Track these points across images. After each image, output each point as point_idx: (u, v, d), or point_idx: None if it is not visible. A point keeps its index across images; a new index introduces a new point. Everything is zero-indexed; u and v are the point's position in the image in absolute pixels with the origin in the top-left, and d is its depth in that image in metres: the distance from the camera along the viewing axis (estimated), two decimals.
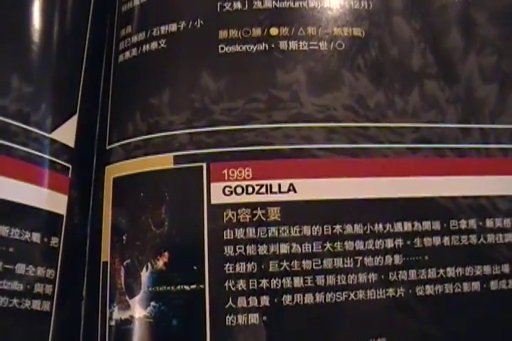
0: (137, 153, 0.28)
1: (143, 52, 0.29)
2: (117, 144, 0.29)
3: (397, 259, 0.26)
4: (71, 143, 0.29)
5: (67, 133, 0.29)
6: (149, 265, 0.26)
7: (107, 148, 0.29)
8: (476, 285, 0.27)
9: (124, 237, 0.27)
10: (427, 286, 0.26)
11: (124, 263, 0.27)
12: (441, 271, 0.27)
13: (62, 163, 0.28)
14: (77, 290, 0.28)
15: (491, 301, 0.27)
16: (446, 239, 0.27)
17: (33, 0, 0.29)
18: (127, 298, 0.27)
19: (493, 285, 0.27)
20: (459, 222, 0.27)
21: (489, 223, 0.28)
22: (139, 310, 0.26)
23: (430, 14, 0.29)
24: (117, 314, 0.27)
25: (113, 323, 0.27)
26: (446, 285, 0.27)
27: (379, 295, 0.26)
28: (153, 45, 0.29)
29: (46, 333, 0.26)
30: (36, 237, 0.27)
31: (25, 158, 0.27)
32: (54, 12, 0.30)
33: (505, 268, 0.27)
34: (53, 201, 0.28)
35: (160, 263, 0.26)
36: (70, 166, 0.29)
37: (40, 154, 0.28)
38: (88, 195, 0.30)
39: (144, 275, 0.26)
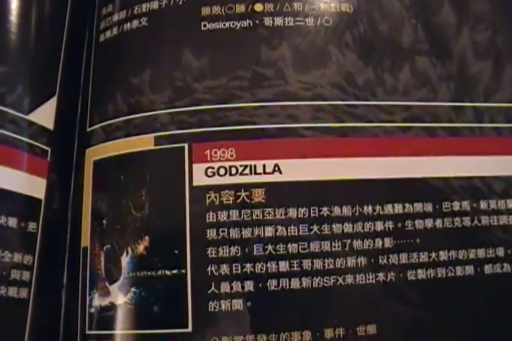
0: (118, 135, 0.27)
1: (124, 31, 0.28)
2: (98, 126, 0.28)
3: (388, 242, 0.26)
4: (50, 126, 0.28)
5: (45, 115, 0.28)
6: (129, 250, 0.26)
7: (88, 130, 0.28)
8: (469, 269, 0.26)
9: (104, 221, 0.26)
10: (419, 270, 0.26)
11: (104, 248, 0.26)
12: (434, 254, 0.26)
13: (41, 145, 0.28)
14: (56, 277, 0.28)
15: (485, 285, 0.26)
16: (438, 221, 0.26)
17: None
18: (107, 284, 0.26)
19: (488, 269, 0.26)
20: (452, 203, 0.27)
21: (483, 205, 0.27)
22: (119, 297, 0.25)
23: None
24: (97, 301, 0.26)
25: (93, 310, 0.26)
26: (439, 269, 0.26)
27: (368, 279, 0.25)
28: (135, 23, 0.28)
29: (23, 321, 0.26)
30: (12, 222, 0.26)
31: (1, 141, 0.26)
32: None
33: (500, 252, 0.27)
34: (31, 185, 0.27)
35: (140, 248, 0.25)
36: (49, 149, 0.28)
37: (17, 136, 0.27)
38: (69, 178, 0.29)
39: (124, 260, 0.26)
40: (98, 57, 0.29)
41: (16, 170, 0.27)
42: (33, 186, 0.27)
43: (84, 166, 0.28)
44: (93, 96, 0.29)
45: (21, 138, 0.27)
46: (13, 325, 0.26)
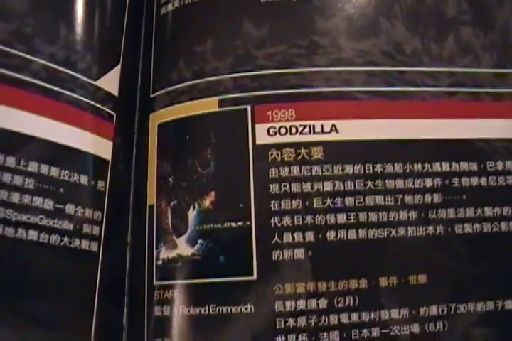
0: (182, 99, 0.29)
1: (185, 4, 0.31)
2: (162, 92, 0.30)
3: (436, 198, 0.28)
4: (115, 92, 0.31)
5: (111, 82, 0.30)
6: (196, 205, 0.28)
7: (151, 96, 0.30)
8: None
9: (170, 180, 0.29)
10: (466, 225, 0.28)
11: (171, 205, 0.28)
12: (479, 210, 0.28)
13: (107, 110, 0.30)
14: (121, 234, 0.30)
15: None
16: (483, 179, 0.28)
17: None
18: (174, 237, 0.28)
19: None
20: (496, 163, 0.29)
21: None
22: (186, 248, 0.27)
23: None
24: (164, 253, 0.28)
25: (160, 262, 0.28)
26: (484, 224, 0.28)
27: (419, 232, 0.27)
28: None
29: (95, 272, 0.28)
30: (84, 180, 0.28)
31: (72, 103, 0.28)
32: None
33: None
34: (99, 146, 0.29)
35: (207, 203, 0.27)
36: (115, 114, 0.30)
37: (86, 100, 0.29)
38: (131, 142, 0.31)
39: (191, 214, 0.28)
40: (160, 29, 0.31)
41: (85, 131, 0.29)
42: (101, 147, 0.29)
43: (149, 130, 0.30)
44: (156, 65, 0.31)
45: (90, 101, 0.29)
46: (87, 275, 0.28)
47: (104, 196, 0.29)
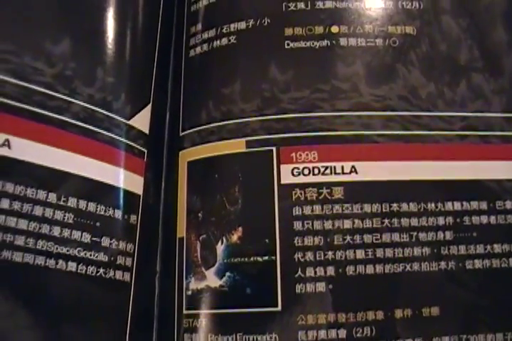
0: (211, 138, 0.31)
1: (213, 47, 0.33)
2: (191, 131, 0.32)
3: (448, 235, 0.30)
4: (146, 130, 0.33)
5: (142, 121, 0.33)
6: (224, 239, 0.30)
7: (181, 134, 0.33)
8: None
9: (199, 214, 0.31)
10: (476, 260, 0.30)
11: (200, 238, 0.31)
12: (489, 246, 0.30)
13: (139, 147, 0.32)
14: (151, 264, 0.32)
15: None
16: (492, 217, 0.30)
17: (110, 5, 0.33)
18: (203, 269, 0.30)
19: None
20: (505, 202, 0.31)
21: None
22: (214, 280, 0.30)
23: (476, 12, 0.33)
24: (194, 284, 0.30)
25: (189, 293, 0.30)
26: (494, 260, 0.30)
27: (432, 267, 0.29)
28: (224, 40, 0.33)
29: (127, 301, 0.30)
30: (118, 214, 0.30)
31: (108, 142, 0.31)
32: (128, 15, 0.34)
33: None
34: (131, 181, 0.31)
35: (234, 237, 0.30)
36: (145, 150, 0.32)
37: (120, 139, 0.31)
38: (160, 177, 0.33)
39: (220, 248, 0.30)
40: (188, 70, 0.34)
41: (118, 168, 0.31)
42: (133, 182, 0.31)
43: (179, 166, 0.32)
44: (184, 105, 0.33)
45: (124, 140, 0.31)
46: (120, 302, 0.30)
47: (136, 229, 0.31)
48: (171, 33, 0.36)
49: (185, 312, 0.30)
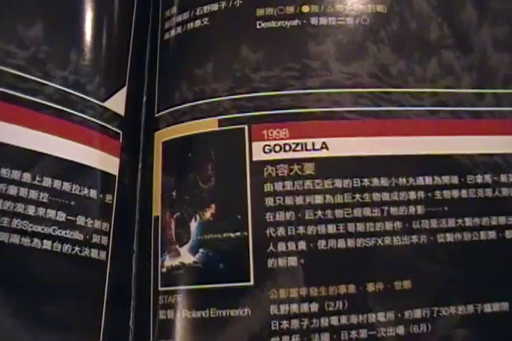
0: (184, 118, 0.32)
1: (187, 30, 0.34)
2: (166, 112, 0.33)
3: (420, 209, 0.31)
4: (121, 112, 0.33)
5: (117, 103, 0.33)
6: (197, 216, 0.31)
7: (156, 115, 0.34)
8: (492, 234, 0.31)
9: (173, 193, 0.31)
10: (447, 234, 0.31)
11: (174, 216, 0.31)
12: (460, 220, 0.31)
13: (114, 128, 0.33)
14: (128, 243, 0.33)
15: (506, 248, 0.31)
16: (463, 191, 0.31)
17: None
18: (177, 246, 0.31)
19: (508, 234, 0.31)
20: (475, 176, 0.31)
21: (503, 178, 0.32)
22: (188, 257, 0.30)
23: None
24: (168, 261, 0.31)
25: (164, 270, 0.31)
26: (465, 233, 0.31)
27: (404, 241, 0.30)
28: (197, 23, 0.33)
29: (103, 279, 0.31)
30: (93, 193, 0.31)
31: (82, 123, 0.31)
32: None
33: None
34: (107, 162, 0.32)
35: (207, 215, 0.30)
36: (121, 132, 0.33)
37: (95, 120, 0.32)
38: (136, 159, 0.34)
39: (193, 225, 0.31)
40: (163, 53, 0.35)
41: (94, 149, 0.32)
42: (108, 163, 0.32)
43: (154, 147, 0.33)
44: (160, 86, 0.34)
45: (98, 121, 0.32)
46: (96, 283, 0.31)
47: (111, 208, 0.32)
48: (148, 16, 0.36)
49: (160, 289, 0.31)
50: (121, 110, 0.33)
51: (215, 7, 0.33)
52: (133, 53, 0.35)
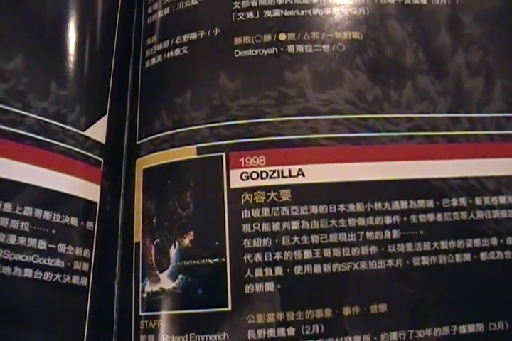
0: (164, 146, 0.34)
1: (167, 58, 0.35)
2: (146, 139, 0.34)
3: (395, 233, 0.32)
4: (102, 140, 0.35)
5: (98, 131, 0.35)
6: (177, 243, 0.32)
7: (137, 143, 0.35)
8: (467, 257, 0.32)
9: (154, 220, 0.33)
10: (423, 257, 0.32)
11: (154, 242, 0.33)
12: (435, 243, 0.32)
13: (95, 157, 0.34)
14: (110, 268, 0.34)
15: (481, 271, 0.32)
16: (439, 215, 0.32)
17: (68, 19, 0.35)
18: (157, 272, 0.32)
19: (483, 256, 0.32)
20: (451, 200, 0.32)
21: (478, 201, 0.33)
22: (168, 283, 0.32)
23: (421, 17, 0.35)
24: (149, 287, 0.32)
25: (145, 295, 0.32)
26: (440, 256, 0.32)
27: (379, 265, 0.31)
28: (177, 51, 0.35)
29: (84, 305, 0.32)
30: (74, 221, 0.32)
31: (63, 153, 0.33)
32: (85, 28, 0.36)
33: (494, 241, 0.32)
34: (88, 190, 0.33)
35: (186, 241, 0.32)
36: (102, 160, 0.34)
37: (75, 149, 0.33)
38: (118, 185, 0.35)
39: (172, 252, 0.32)
40: (144, 81, 0.36)
41: (74, 177, 0.33)
42: (89, 191, 0.33)
43: (135, 174, 0.34)
44: (141, 114, 0.35)
45: (79, 150, 0.33)
46: (77, 308, 0.32)
47: (93, 235, 0.33)
48: (130, 44, 0.38)
49: (141, 313, 0.32)
50: (102, 138, 0.35)
51: (194, 36, 0.34)
52: (114, 81, 0.36)
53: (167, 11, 0.36)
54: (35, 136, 0.32)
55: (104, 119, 0.35)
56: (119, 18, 0.37)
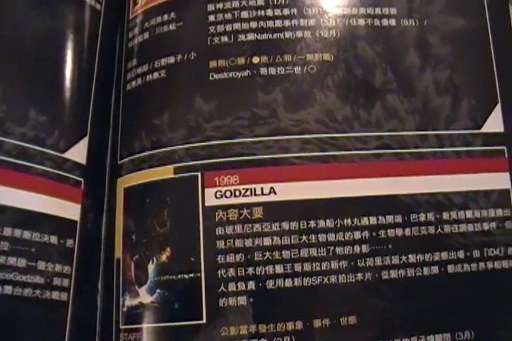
0: (143, 166, 0.35)
1: (146, 82, 0.37)
2: (127, 159, 0.36)
3: (365, 248, 0.33)
4: (83, 161, 0.37)
5: (78, 153, 0.36)
6: (154, 259, 0.34)
7: (119, 162, 0.37)
8: (434, 269, 0.34)
9: (133, 237, 0.35)
10: (392, 271, 0.33)
11: (134, 259, 0.34)
12: (404, 257, 0.33)
13: (75, 177, 0.36)
14: (92, 283, 0.36)
15: (449, 283, 0.34)
16: (407, 230, 0.34)
17: (47, 46, 0.37)
18: (137, 287, 0.34)
19: (450, 268, 0.34)
20: (419, 215, 0.34)
21: (445, 215, 0.34)
22: (146, 297, 0.33)
23: (390, 38, 0.37)
24: (129, 301, 0.34)
25: (125, 309, 0.34)
26: (409, 269, 0.33)
27: (349, 279, 0.33)
28: (155, 75, 0.37)
29: (64, 320, 0.34)
30: (54, 239, 0.34)
31: (41, 175, 0.34)
32: (65, 54, 0.37)
33: (461, 254, 0.34)
34: (67, 209, 0.35)
35: (163, 257, 0.33)
36: (83, 180, 0.36)
37: (54, 171, 0.35)
38: (100, 203, 0.37)
39: (150, 267, 0.34)
40: (126, 103, 0.38)
41: (53, 198, 0.34)
42: (69, 210, 0.35)
43: (116, 192, 0.36)
44: (122, 135, 0.37)
45: (58, 172, 0.35)
46: (57, 322, 0.33)
47: (73, 252, 0.35)
48: (113, 68, 0.40)
49: (121, 327, 0.34)
50: (82, 159, 0.36)
51: (171, 60, 0.36)
52: (96, 103, 0.38)
53: (146, 35, 0.38)
54: (13, 160, 0.33)
55: (85, 141, 0.37)
56: (100, 43, 0.39)
